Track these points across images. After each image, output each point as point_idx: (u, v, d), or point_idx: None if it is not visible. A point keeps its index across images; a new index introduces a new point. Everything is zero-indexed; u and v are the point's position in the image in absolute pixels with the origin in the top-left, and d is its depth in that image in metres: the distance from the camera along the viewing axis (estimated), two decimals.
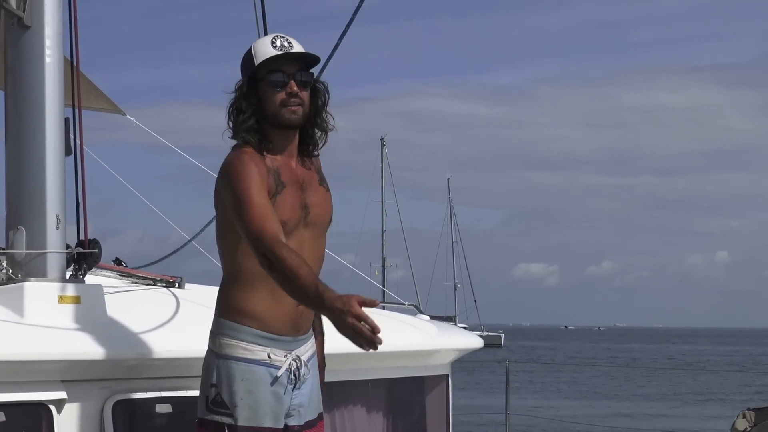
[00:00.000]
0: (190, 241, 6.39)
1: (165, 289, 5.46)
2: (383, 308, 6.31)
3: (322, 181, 4.35)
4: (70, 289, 4.57)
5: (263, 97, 4.17)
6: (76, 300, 4.54)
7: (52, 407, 4.32)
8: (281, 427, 4.14)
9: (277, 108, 4.15)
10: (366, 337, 3.75)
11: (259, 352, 4.09)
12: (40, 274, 4.67)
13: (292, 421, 4.18)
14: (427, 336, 5.68)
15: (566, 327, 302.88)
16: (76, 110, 4.98)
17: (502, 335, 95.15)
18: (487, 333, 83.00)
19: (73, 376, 4.38)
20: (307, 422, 4.23)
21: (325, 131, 4.27)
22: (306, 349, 4.23)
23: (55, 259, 4.71)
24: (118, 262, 5.68)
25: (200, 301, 5.15)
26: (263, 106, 4.16)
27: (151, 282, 5.55)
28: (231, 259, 4.17)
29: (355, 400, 5.36)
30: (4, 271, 4.67)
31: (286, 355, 4.13)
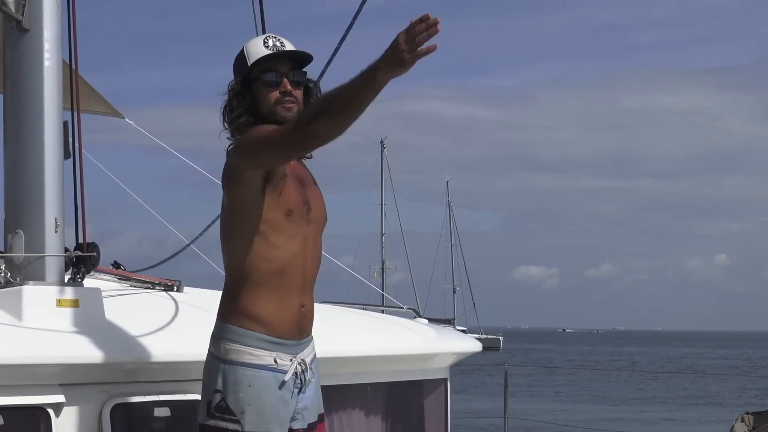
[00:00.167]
0: (189, 245, 6.40)
1: (163, 292, 5.46)
2: (382, 312, 6.31)
3: (315, 181, 4.36)
4: (69, 293, 4.57)
5: (257, 96, 4.18)
6: (75, 303, 4.54)
7: (51, 411, 4.31)
8: (287, 431, 4.14)
9: (272, 106, 4.16)
10: (423, 34, 3.60)
11: (266, 357, 4.08)
12: (39, 277, 4.67)
13: (297, 425, 4.18)
14: (425, 340, 5.68)
15: (564, 330, 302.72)
16: (75, 113, 4.98)
17: (501, 338, 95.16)
18: (485, 336, 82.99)
19: (71, 379, 4.37)
20: (309, 425, 4.24)
21: None
22: (309, 352, 4.23)
23: (53, 263, 4.71)
24: (116, 265, 5.68)
25: (199, 305, 5.15)
26: (258, 105, 4.16)
27: (150, 285, 5.55)
28: (236, 260, 4.13)
29: (354, 403, 5.36)
30: (2, 274, 4.67)
31: (291, 359, 4.13)
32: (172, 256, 6.27)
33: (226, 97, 4.22)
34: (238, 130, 4.16)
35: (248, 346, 4.07)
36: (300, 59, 4.23)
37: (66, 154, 4.85)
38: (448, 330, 6.35)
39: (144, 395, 4.54)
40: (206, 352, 4.19)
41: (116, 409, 4.45)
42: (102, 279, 5.40)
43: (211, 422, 4.08)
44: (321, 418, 4.33)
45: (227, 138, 4.23)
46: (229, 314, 4.13)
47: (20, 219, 4.74)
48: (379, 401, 5.49)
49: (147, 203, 7.28)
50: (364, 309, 6.22)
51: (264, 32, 5.90)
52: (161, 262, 6.14)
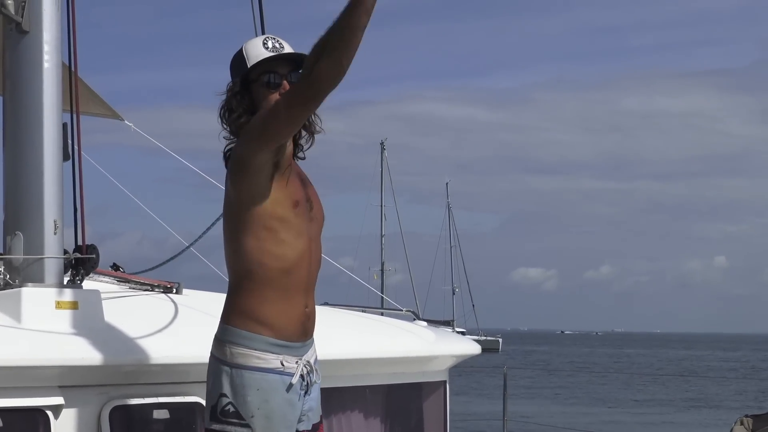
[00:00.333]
0: (188, 247, 6.39)
1: (163, 294, 5.45)
2: (381, 314, 6.31)
3: (311, 182, 4.37)
4: (68, 295, 4.57)
5: (257, 98, 4.17)
6: (74, 305, 4.53)
7: (50, 413, 4.31)
8: None
9: None
10: None
11: (273, 360, 4.08)
12: (38, 279, 4.66)
13: (302, 426, 4.19)
14: (424, 342, 5.68)
15: (562, 332, 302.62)
16: (74, 115, 4.98)
17: (500, 340, 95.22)
18: (485, 337, 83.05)
19: (70, 381, 4.37)
20: (313, 425, 4.25)
21: (311, 133, 4.27)
22: (312, 353, 4.23)
23: (52, 265, 4.70)
24: (115, 267, 5.68)
25: (198, 307, 5.15)
26: (257, 106, 4.16)
27: (149, 287, 5.54)
28: (243, 257, 4.11)
29: (353, 406, 5.36)
30: (1, 276, 4.66)
31: (297, 362, 4.13)
32: (171, 259, 6.26)
33: (224, 97, 4.22)
34: (239, 130, 4.16)
35: (255, 349, 4.06)
36: (299, 61, 4.23)
37: (65, 156, 4.85)
38: (447, 332, 6.35)
39: (143, 397, 4.53)
40: (206, 354, 4.18)
41: (115, 411, 4.45)
42: (101, 281, 5.40)
43: (218, 426, 4.07)
44: (321, 418, 4.35)
45: (224, 138, 4.23)
46: (234, 317, 4.11)
47: (19, 221, 4.74)
48: (379, 403, 5.50)
49: (146, 205, 7.27)
50: (363, 311, 6.23)
51: (263, 33, 5.90)
52: (160, 265, 6.13)
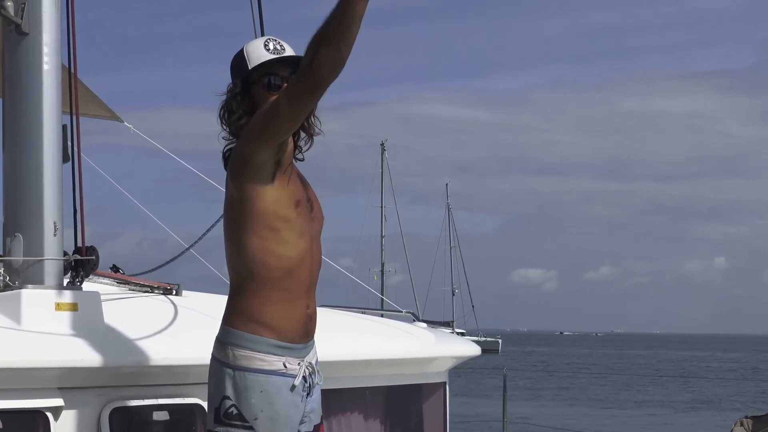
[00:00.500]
0: (188, 248, 6.39)
1: (162, 296, 5.46)
2: (381, 315, 6.32)
3: (310, 184, 4.37)
4: (67, 297, 4.57)
5: (257, 99, 4.17)
6: (74, 307, 4.53)
7: (49, 414, 4.31)
8: None
9: None
10: None
11: (276, 362, 4.07)
12: (38, 281, 4.67)
13: (304, 428, 4.19)
14: (424, 344, 5.68)
15: (561, 333, 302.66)
16: (74, 117, 4.98)
17: (500, 341, 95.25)
18: (484, 338, 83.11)
19: (70, 383, 4.37)
20: (314, 426, 4.26)
21: (310, 135, 4.27)
22: (313, 354, 4.24)
23: (52, 266, 4.71)
24: (115, 269, 5.67)
25: (198, 308, 5.15)
26: (257, 108, 4.15)
27: (149, 289, 5.55)
28: (246, 257, 4.09)
29: (352, 407, 5.36)
30: (1, 278, 4.67)
31: (299, 363, 4.13)
32: (171, 260, 6.26)
33: (223, 98, 4.22)
34: (239, 131, 4.16)
35: (258, 351, 4.05)
36: (299, 63, 4.23)
37: (65, 158, 4.85)
38: (446, 334, 6.36)
39: (143, 399, 4.54)
40: (206, 355, 4.18)
41: (115, 412, 4.45)
42: (101, 282, 5.40)
43: (221, 429, 4.06)
44: (321, 419, 4.35)
45: (224, 138, 4.23)
46: (236, 318, 4.10)
47: (19, 222, 4.74)
48: (378, 405, 5.50)
49: (145, 206, 7.27)
50: (363, 313, 6.23)
51: (263, 34, 5.90)
52: (160, 266, 6.13)
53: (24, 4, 4.77)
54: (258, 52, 4.21)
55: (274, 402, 4.06)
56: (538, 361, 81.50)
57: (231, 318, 4.12)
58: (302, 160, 4.31)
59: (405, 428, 5.66)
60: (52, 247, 4.72)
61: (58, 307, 4.52)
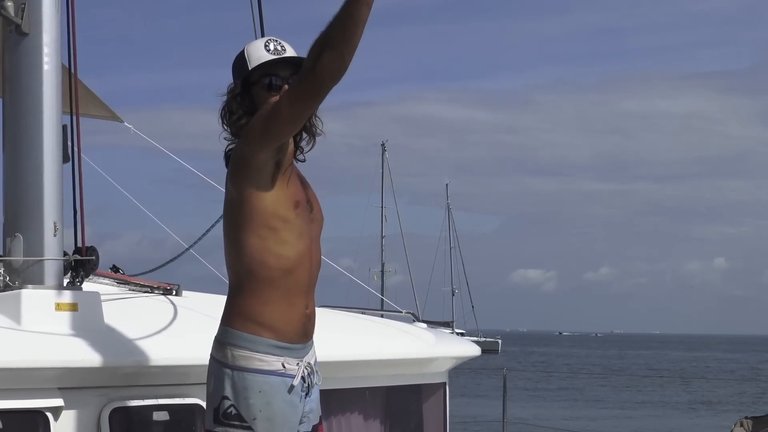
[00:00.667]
0: (188, 249, 6.39)
1: (162, 296, 5.46)
2: (381, 316, 6.31)
3: (310, 185, 4.37)
4: (67, 297, 4.57)
5: (257, 100, 4.17)
6: (73, 307, 4.54)
7: (49, 414, 4.31)
8: None
9: None
10: None
11: (274, 363, 4.07)
12: (38, 281, 4.67)
13: (303, 428, 4.19)
14: (424, 344, 5.68)
15: (561, 333, 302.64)
16: (74, 117, 4.98)
17: (500, 341, 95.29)
18: (484, 339, 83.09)
19: (70, 383, 4.37)
20: (313, 426, 4.26)
21: (312, 135, 4.27)
22: (312, 355, 4.24)
23: (52, 267, 4.71)
24: (115, 269, 5.67)
25: (197, 309, 5.15)
26: (257, 109, 4.14)
27: (149, 289, 5.55)
28: (245, 257, 4.09)
29: (352, 407, 5.36)
30: (1, 278, 4.67)
31: (298, 363, 4.13)
32: (171, 261, 6.26)
33: (224, 98, 4.22)
34: (239, 132, 4.16)
35: (257, 352, 4.05)
36: (301, 65, 4.22)
37: (65, 158, 4.86)
38: (446, 334, 6.36)
39: (143, 399, 4.54)
40: (205, 356, 4.17)
41: (115, 412, 4.45)
42: (101, 283, 5.40)
43: (220, 429, 4.06)
44: (320, 419, 4.35)
45: (225, 138, 4.23)
46: (235, 319, 4.10)
47: (19, 222, 4.74)
48: (378, 405, 5.50)
49: (145, 206, 7.27)
50: (362, 313, 6.23)
51: (263, 34, 5.90)
52: (160, 267, 6.13)
53: (24, 4, 4.77)
54: (258, 53, 4.21)
55: (273, 402, 4.06)
56: (538, 362, 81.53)
57: (230, 318, 4.12)
58: (303, 161, 4.31)
59: (405, 429, 5.66)
60: (52, 247, 4.72)
61: (58, 307, 4.52)
